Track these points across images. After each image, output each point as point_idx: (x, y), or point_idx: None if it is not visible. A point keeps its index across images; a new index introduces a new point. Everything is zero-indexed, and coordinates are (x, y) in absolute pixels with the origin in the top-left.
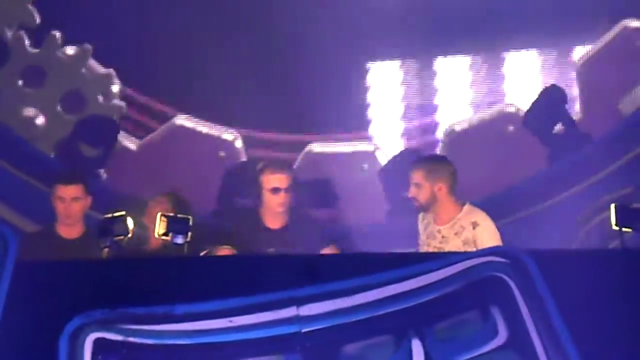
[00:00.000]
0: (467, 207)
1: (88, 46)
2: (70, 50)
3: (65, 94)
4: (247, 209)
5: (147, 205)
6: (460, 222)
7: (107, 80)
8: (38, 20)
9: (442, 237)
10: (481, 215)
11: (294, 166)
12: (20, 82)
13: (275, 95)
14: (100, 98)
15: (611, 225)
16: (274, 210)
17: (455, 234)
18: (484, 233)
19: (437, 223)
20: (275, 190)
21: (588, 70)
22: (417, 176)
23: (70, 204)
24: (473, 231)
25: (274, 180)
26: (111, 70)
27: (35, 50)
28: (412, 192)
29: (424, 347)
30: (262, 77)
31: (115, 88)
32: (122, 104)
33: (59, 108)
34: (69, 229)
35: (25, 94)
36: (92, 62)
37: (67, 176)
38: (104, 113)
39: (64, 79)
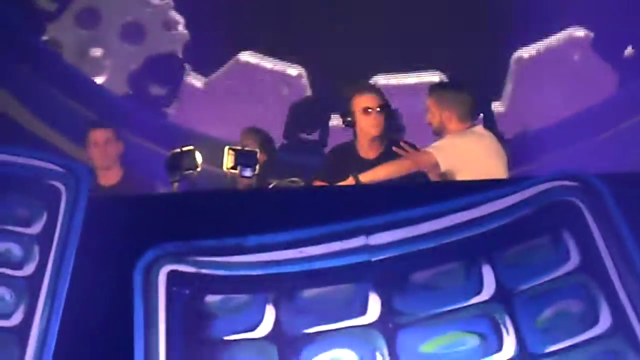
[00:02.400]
0: (475, 129)
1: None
2: None
3: (124, 28)
4: (343, 143)
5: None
6: None
7: (165, 9)
8: None
9: None
10: (467, 137)
11: None
12: (76, 26)
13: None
14: (161, 29)
15: None
16: (368, 134)
17: None
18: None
19: None
20: (367, 110)
21: None
22: (430, 102)
23: (105, 147)
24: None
25: (364, 100)
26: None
27: None
28: (428, 117)
29: (495, 273)
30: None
31: (177, 16)
32: (185, 31)
33: (119, 42)
34: (108, 175)
35: (86, 36)
36: None
37: (97, 122)
38: (167, 42)
39: (119, 13)
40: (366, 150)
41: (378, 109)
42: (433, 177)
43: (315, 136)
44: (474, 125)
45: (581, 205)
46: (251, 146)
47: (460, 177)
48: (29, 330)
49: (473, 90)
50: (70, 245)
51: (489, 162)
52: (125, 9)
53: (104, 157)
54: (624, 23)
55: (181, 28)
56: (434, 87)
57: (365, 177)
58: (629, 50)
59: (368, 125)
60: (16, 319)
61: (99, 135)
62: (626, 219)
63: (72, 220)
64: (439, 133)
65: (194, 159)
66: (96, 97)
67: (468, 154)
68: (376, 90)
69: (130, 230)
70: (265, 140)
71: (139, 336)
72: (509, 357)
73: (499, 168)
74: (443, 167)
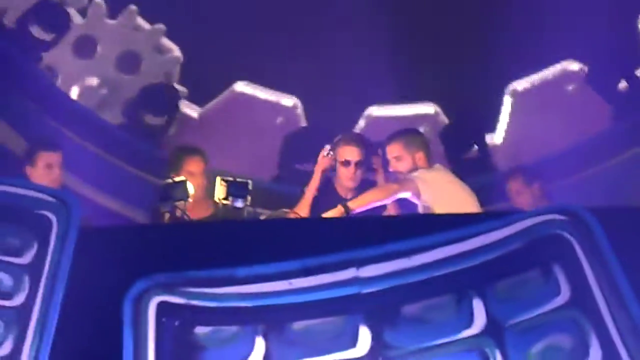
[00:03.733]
0: (436, 166)
1: (133, 7)
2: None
3: (120, 56)
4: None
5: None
6: None
7: (158, 35)
8: None
9: None
10: (436, 172)
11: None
12: (73, 55)
13: (334, 62)
14: (155, 54)
15: None
16: (344, 185)
17: None
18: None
19: None
20: (346, 162)
21: None
22: (396, 150)
23: (53, 170)
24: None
25: (346, 152)
26: (161, 25)
27: (82, 22)
28: (393, 165)
29: (485, 306)
30: (321, 46)
31: (169, 42)
32: (179, 54)
33: (115, 71)
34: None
35: (82, 65)
36: (140, 21)
37: (49, 142)
38: (161, 67)
39: (116, 42)
40: (343, 191)
41: (356, 163)
42: (416, 202)
43: (309, 167)
44: (437, 165)
45: (571, 239)
46: (196, 166)
47: (437, 207)
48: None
49: (466, 121)
50: (60, 276)
51: (462, 195)
52: (120, 38)
53: (52, 179)
54: (618, 57)
55: (176, 55)
56: (395, 136)
57: (354, 204)
58: (622, 84)
59: (345, 178)
60: (5, 349)
61: (49, 158)
62: (617, 253)
63: (63, 250)
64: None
65: (186, 189)
66: (84, 119)
67: (444, 186)
68: (360, 141)
69: (120, 261)
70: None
71: None
72: None
73: (472, 201)
74: (424, 196)
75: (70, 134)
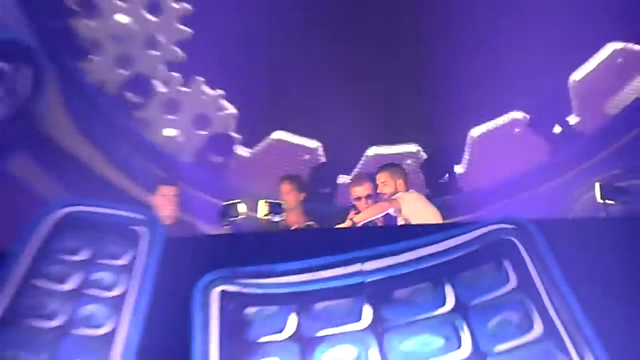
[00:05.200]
0: (411, 191)
1: (200, 78)
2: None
3: (195, 117)
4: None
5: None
6: None
7: (218, 99)
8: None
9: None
10: (411, 194)
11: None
12: (159, 112)
13: (345, 115)
14: (216, 111)
15: (596, 199)
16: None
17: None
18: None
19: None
20: (358, 199)
21: (582, 84)
22: (383, 177)
23: (170, 199)
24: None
25: (357, 191)
26: (221, 91)
27: (165, 89)
28: (380, 188)
29: (454, 291)
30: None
31: (226, 103)
32: (235, 111)
33: (188, 125)
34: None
35: (167, 120)
36: (205, 87)
37: (166, 179)
38: (222, 122)
39: (189, 105)
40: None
41: (366, 197)
42: (397, 216)
43: (328, 190)
44: (411, 190)
45: (517, 241)
46: (286, 188)
47: (413, 219)
48: (115, 336)
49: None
50: (149, 273)
51: (431, 210)
52: (197, 104)
53: (171, 207)
54: (554, 107)
55: (232, 112)
56: (383, 167)
57: (358, 218)
58: (557, 128)
59: (360, 208)
60: (107, 328)
61: (168, 190)
62: (551, 252)
63: (151, 254)
64: (391, 197)
65: (239, 209)
66: (168, 160)
67: (417, 204)
68: (366, 179)
69: (192, 261)
70: (300, 183)
71: (198, 340)
72: (466, 354)
73: (437, 215)
74: (404, 211)
75: (161, 171)
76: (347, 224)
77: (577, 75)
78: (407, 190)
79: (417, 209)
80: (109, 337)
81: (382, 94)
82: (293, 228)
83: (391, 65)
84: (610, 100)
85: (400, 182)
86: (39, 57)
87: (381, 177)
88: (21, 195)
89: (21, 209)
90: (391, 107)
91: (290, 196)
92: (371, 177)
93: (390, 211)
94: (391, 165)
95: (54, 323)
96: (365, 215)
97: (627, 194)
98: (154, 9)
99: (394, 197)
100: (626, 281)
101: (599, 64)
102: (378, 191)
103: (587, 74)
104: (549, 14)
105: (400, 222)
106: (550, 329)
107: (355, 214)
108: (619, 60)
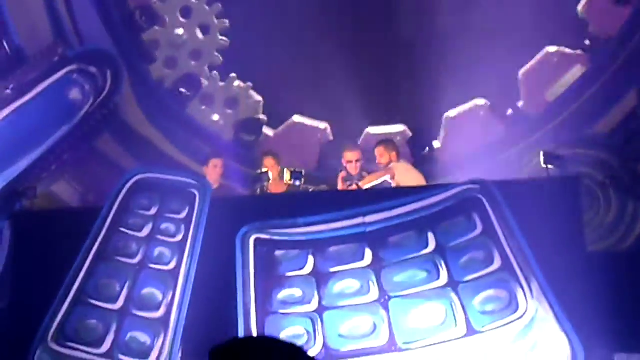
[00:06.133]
0: (402, 161)
1: (233, 74)
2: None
3: (225, 101)
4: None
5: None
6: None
7: (247, 90)
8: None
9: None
10: (402, 164)
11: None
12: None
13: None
14: (247, 99)
15: (540, 164)
16: (352, 174)
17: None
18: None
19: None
20: (350, 162)
21: (528, 77)
22: (380, 150)
23: (218, 170)
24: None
25: (348, 155)
26: (249, 83)
27: (207, 84)
28: (378, 159)
29: (435, 237)
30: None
31: (254, 93)
32: (260, 99)
33: (224, 110)
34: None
35: (210, 108)
36: (237, 81)
37: (214, 153)
38: (251, 107)
39: (224, 94)
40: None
41: (356, 160)
42: (392, 181)
43: (336, 163)
44: (401, 160)
45: (482, 198)
46: (270, 162)
47: (404, 183)
48: (179, 271)
49: (422, 134)
50: (202, 224)
51: (416, 175)
52: (231, 94)
53: (217, 175)
54: (508, 95)
55: (259, 99)
56: (380, 142)
57: (363, 182)
58: (510, 112)
59: (352, 170)
60: (172, 265)
61: (216, 162)
62: (508, 205)
63: (202, 210)
64: (386, 166)
65: (268, 176)
66: (212, 139)
67: (407, 171)
68: (356, 147)
69: (233, 216)
70: (278, 157)
71: (239, 275)
72: (444, 282)
73: (420, 179)
74: (397, 177)
75: (206, 147)
76: (354, 187)
77: (525, 70)
78: (399, 161)
79: (407, 175)
80: (174, 271)
81: (380, 84)
82: (311, 190)
83: (387, 59)
84: (549, 90)
85: (393, 154)
86: (116, 61)
87: (379, 150)
88: (106, 166)
89: (106, 176)
90: (385, 94)
91: (274, 170)
92: (364, 149)
93: (387, 178)
94: (386, 140)
95: (134, 260)
96: (368, 180)
97: (562, 160)
98: (204, 30)
99: (389, 166)
100: (562, 224)
101: (540, 62)
102: (377, 162)
103: (532, 69)
104: (507, 22)
105: (394, 185)
106: (506, 263)
107: (345, 175)
108: (555, 59)
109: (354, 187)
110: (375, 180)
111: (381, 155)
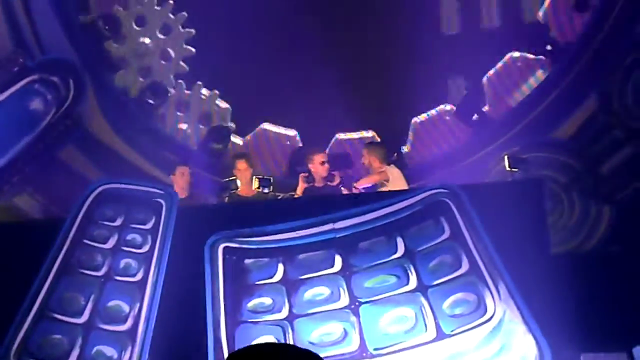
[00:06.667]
0: (387, 167)
1: (199, 82)
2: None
3: (198, 113)
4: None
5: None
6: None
7: (215, 98)
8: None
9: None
10: (393, 169)
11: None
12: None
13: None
14: (215, 108)
15: (505, 168)
16: (321, 175)
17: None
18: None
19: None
20: (322, 163)
21: (492, 82)
22: (365, 152)
23: (184, 178)
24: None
25: (319, 157)
26: (216, 91)
27: (173, 92)
28: (363, 160)
29: (404, 242)
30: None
31: (222, 102)
32: (229, 107)
33: (194, 121)
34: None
35: (177, 116)
36: (204, 90)
37: (180, 162)
38: (220, 116)
39: (192, 104)
40: (319, 180)
41: (320, 163)
42: (385, 184)
43: (304, 169)
44: (390, 164)
45: (450, 202)
46: (242, 165)
47: (392, 187)
48: (145, 283)
49: (390, 140)
50: (168, 234)
51: (402, 180)
52: (198, 102)
53: (185, 182)
54: (473, 100)
55: (227, 107)
56: (366, 145)
57: (358, 184)
58: (475, 117)
59: (323, 170)
60: (138, 276)
61: (183, 170)
62: (474, 209)
63: (169, 220)
64: (368, 168)
65: (236, 183)
66: (179, 148)
67: (397, 178)
68: (323, 150)
69: (201, 225)
70: (251, 160)
71: (208, 284)
72: (413, 287)
73: (404, 183)
74: (390, 181)
75: (173, 156)
76: (300, 187)
77: (489, 75)
78: (387, 164)
79: (397, 180)
80: (141, 283)
81: (348, 90)
82: (279, 197)
83: (355, 65)
84: (513, 94)
85: (373, 157)
86: (79, 71)
87: (365, 152)
88: (70, 177)
89: (70, 188)
90: (353, 101)
91: (247, 172)
92: (339, 157)
93: (383, 181)
94: (372, 143)
95: (99, 272)
96: (363, 182)
97: (526, 163)
98: (166, 30)
99: (382, 170)
100: (527, 227)
101: (503, 68)
102: (364, 160)
103: (496, 75)
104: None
105: (384, 189)
106: (473, 266)
107: (306, 177)
108: (519, 64)
109: (301, 185)
110: (370, 182)
111: (364, 157)
